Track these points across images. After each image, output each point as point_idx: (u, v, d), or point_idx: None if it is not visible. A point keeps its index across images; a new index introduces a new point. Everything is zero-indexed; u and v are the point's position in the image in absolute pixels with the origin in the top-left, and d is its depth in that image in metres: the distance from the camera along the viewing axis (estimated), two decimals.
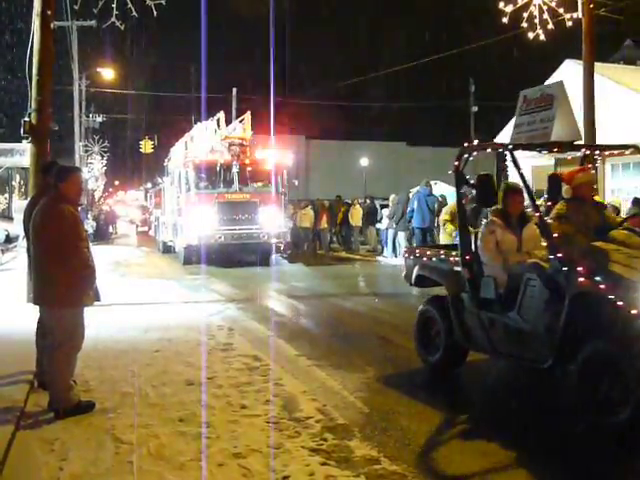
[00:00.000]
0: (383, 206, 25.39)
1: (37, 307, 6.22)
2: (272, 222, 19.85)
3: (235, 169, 19.95)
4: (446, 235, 14.08)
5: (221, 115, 21.13)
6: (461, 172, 7.15)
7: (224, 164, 19.97)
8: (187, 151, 21.23)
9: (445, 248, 8.19)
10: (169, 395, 6.53)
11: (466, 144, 7.49)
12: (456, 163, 7.13)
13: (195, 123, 23.01)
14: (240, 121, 21.66)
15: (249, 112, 21.22)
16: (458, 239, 12.17)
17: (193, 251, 20.00)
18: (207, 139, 20.77)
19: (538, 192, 15.99)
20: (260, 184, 20.52)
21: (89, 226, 31.25)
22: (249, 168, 20.31)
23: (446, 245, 9.58)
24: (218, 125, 21.07)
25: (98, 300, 6.30)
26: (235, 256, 20.36)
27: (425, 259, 7.78)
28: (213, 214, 19.29)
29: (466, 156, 7.14)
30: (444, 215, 14.29)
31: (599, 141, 15.35)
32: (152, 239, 31.90)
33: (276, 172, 20.63)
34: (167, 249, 24.79)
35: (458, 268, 6.94)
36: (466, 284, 6.77)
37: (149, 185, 64.03)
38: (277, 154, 21.17)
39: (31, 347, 6.72)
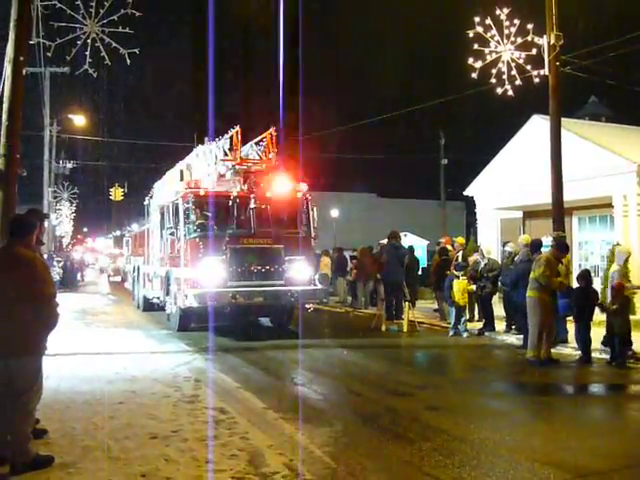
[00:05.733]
0: (352, 257, 25.42)
1: None
2: (302, 276, 15.20)
3: (253, 204, 15.11)
4: (533, 291, 11.68)
5: (236, 132, 15.66)
6: None
7: (238, 197, 15.11)
8: (183, 182, 16.36)
9: None
10: (132, 449, 6.34)
11: None
12: None
13: (196, 145, 17.94)
14: (256, 143, 16.36)
15: (273, 128, 15.74)
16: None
17: (193, 315, 15.54)
18: (213, 164, 16.09)
19: (505, 244, 16.23)
20: (286, 225, 15.75)
21: (55, 273, 30.82)
22: (270, 204, 15.44)
23: None
24: (231, 146, 15.84)
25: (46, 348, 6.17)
26: (246, 321, 16.74)
27: None
28: (223, 265, 14.56)
29: None
30: (544, 268, 11.49)
31: (565, 195, 15.63)
32: (127, 291, 29.01)
33: (306, 209, 16.03)
34: (149, 307, 20.29)
35: None
36: None
37: (118, 232, 63.65)
38: (305, 186, 16.14)
39: None
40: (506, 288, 14.34)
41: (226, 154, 15.87)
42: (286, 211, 15.82)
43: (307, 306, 15.60)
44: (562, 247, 12.26)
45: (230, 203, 14.99)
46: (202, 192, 14.98)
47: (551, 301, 11.70)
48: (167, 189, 18.69)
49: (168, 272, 16.49)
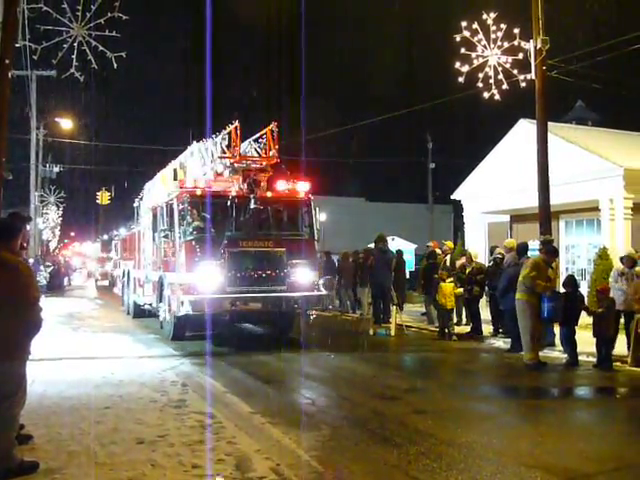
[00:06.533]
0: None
1: None
2: (306, 282, 14.34)
3: (252, 205, 14.18)
4: (522, 294, 11.66)
5: (234, 127, 14.65)
6: None
7: (237, 197, 14.23)
8: (177, 181, 15.37)
9: None
10: (118, 454, 6.30)
11: None
12: None
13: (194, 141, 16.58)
14: (256, 140, 15.37)
15: (274, 123, 14.64)
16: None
17: (188, 323, 14.46)
18: (210, 162, 15.29)
19: (493, 248, 16.27)
20: (287, 227, 15.02)
21: (42, 277, 30.69)
22: (271, 204, 14.75)
23: None
24: (229, 142, 14.92)
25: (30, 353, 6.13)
26: (245, 329, 16.13)
27: None
28: (221, 269, 13.70)
29: None
30: (530, 270, 11.54)
31: (552, 199, 15.69)
32: (115, 296, 27.50)
33: (308, 210, 15.17)
34: (140, 313, 19.33)
35: None
36: None
37: (105, 236, 63.39)
38: (308, 185, 15.24)
39: None
40: (495, 293, 14.36)
41: (224, 151, 15.05)
42: (288, 212, 15.15)
43: (309, 313, 14.89)
44: (551, 251, 12.23)
45: (228, 203, 14.11)
46: (199, 192, 14.17)
47: (537, 304, 11.62)
48: (159, 190, 17.85)
49: (161, 277, 15.55)
